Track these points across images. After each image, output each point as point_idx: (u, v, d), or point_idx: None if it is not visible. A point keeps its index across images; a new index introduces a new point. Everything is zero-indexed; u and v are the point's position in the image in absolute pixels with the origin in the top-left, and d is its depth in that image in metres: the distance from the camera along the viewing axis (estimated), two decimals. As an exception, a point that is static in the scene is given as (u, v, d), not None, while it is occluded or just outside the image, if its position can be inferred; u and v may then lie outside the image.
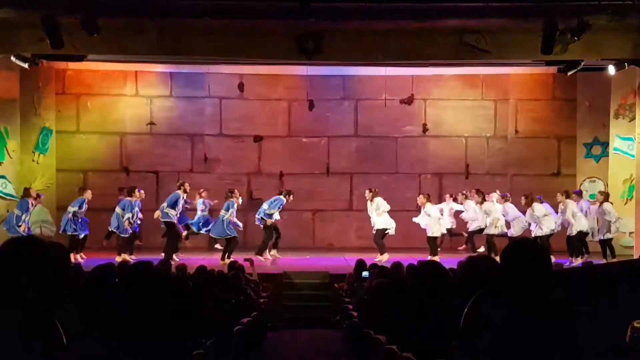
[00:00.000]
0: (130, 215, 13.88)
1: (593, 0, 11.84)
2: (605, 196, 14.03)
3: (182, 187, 14.24)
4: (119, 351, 3.96)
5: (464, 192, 14.92)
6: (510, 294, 2.74)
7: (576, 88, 16.55)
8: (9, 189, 15.07)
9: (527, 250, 2.83)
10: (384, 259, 13.14)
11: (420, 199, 14.41)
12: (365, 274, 9.26)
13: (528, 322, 2.66)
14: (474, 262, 3.89)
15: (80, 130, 16.76)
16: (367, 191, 14.48)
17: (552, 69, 15.98)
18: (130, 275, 5.27)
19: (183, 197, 14.18)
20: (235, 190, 14.51)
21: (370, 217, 14.46)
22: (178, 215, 14.19)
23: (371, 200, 14.27)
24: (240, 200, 14.38)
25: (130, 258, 13.05)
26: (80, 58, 14.27)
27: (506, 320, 2.68)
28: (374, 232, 14.27)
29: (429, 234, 14.25)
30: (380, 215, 14.11)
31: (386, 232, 14.16)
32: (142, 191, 14.51)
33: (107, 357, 3.93)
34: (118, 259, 12.57)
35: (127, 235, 13.98)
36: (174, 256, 13.51)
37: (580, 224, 13.58)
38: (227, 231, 13.93)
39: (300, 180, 16.45)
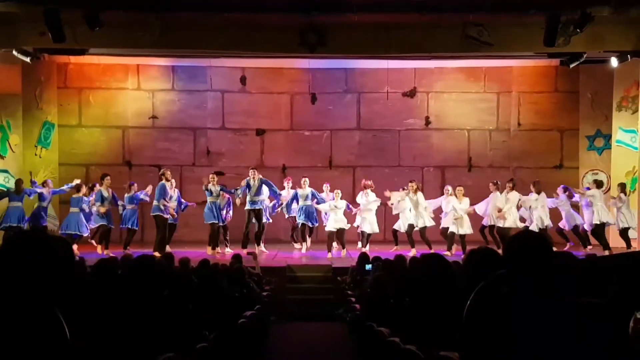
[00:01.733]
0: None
1: (596, -8, 11.82)
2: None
3: (163, 176, 13.95)
4: (121, 344, 3.97)
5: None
6: (513, 285, 2.75)
7: (579, 80, 16.52)
8: (11, 183, 15.09)
9: (530, 241, 2.83)
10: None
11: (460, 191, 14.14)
12: (368, 267, 9.27)
13: (531, 312, 2.66)
14: (476, 254, 3.89)
15: (82, 124, 16.77)
16: (411, 183, 14.14)
17: (555, 62, 15.96)
18: (133, 269, 5.28)
19: (169, 186, 13.95)
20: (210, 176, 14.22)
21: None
22: (174, 206, 14.09)
23: (414, 192, 14.05)
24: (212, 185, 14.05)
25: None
26: (82, 52, 14.30)
27: (509, 310, 2.69)
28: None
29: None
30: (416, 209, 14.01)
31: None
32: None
33: (109, 350, 3.94)
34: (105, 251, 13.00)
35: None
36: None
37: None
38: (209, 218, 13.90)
39: (303, 174, 16.41)
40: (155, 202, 13.78)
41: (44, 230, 13.58)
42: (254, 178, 14.09)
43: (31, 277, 2.27)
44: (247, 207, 14.03)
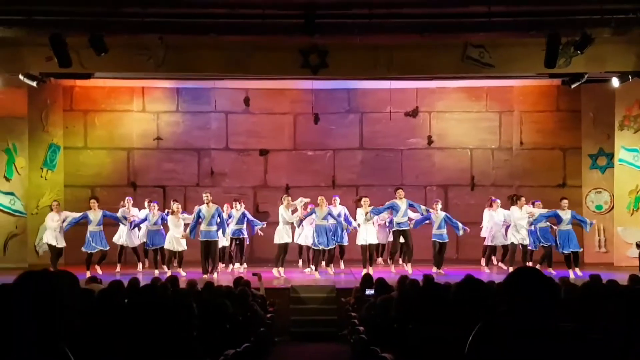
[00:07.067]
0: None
1: (596, 13, 11.90)
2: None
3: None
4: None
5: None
6: (515, 319, 2.75)
7: (580, 100, 16.57)
8: (17, 205, 15.22)
9: (532, 276, 2.80)
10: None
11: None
12: (369, 292, 9.20)
13: (534, 345, 2.68)
14: (470, 284, 3.91)
15: (87, 146, 16.88)
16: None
17: (556, 81, 16.04)
18: (138, 296, 5.34)
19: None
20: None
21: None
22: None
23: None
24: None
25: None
26: (87, 75, 14.42)
27: (511, 344, 2.70)
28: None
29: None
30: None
31: None
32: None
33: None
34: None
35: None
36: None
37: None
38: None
39: (306, 193, 16.43)
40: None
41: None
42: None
43: (40, 316, 2.34)
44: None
